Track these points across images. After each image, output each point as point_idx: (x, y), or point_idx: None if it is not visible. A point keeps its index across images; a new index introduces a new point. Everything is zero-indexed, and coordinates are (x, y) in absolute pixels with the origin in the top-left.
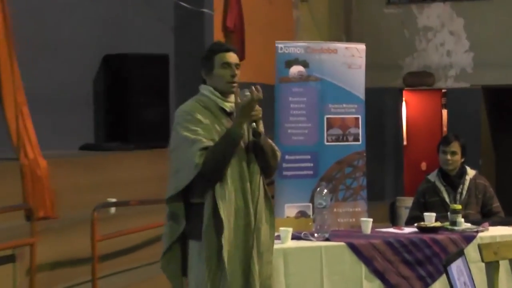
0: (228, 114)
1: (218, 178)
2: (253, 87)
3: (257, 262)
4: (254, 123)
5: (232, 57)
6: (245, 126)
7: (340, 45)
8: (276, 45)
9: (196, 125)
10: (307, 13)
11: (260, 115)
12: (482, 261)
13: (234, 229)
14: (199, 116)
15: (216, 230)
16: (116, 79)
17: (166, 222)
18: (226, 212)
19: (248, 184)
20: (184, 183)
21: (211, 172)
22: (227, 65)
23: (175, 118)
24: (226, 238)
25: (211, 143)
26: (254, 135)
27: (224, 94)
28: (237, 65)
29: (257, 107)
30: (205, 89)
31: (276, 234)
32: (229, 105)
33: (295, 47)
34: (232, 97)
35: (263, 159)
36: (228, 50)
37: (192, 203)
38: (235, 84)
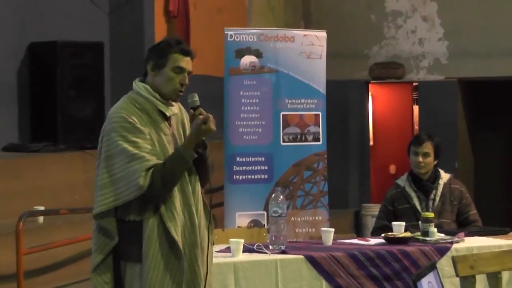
0: (167, 119)
1: (163, 201)
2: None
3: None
4: None
5: (189, 64)
6: (176, 127)
7: (298, 32)
8: (225, 32)
9: (136, 135)
10: None
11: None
12: (457, 275)
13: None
14: (139, 124)
15: (162, 254)
16: (43, 70)
17: (94, 236)
18: (178, 233)
19: (192, 197)
20: (119, 202)
21: (157, 196)
22: (180, 70)
23: (108, 121)
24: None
25: (154, 160)
26: (201, 147)
27: (164, 98)
28: (189, 73)
29: (211, 117)
30: (142, 89)
31: (225, 246)
32: (169, 109)
33: (246, 35)
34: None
35: (203, 171)
36: (187, 54)
37: (126, 221)
38: (181, 94)
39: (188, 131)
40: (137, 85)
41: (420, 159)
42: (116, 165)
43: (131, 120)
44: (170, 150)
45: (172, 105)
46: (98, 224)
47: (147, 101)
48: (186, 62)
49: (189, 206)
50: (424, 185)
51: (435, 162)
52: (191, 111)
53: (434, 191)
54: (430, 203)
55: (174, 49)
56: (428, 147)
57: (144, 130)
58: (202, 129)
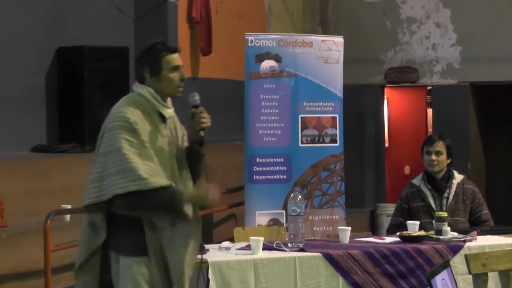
0: (164, 120)
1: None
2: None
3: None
4: (202, 131)
5: (179, 59)
6: (172, 128)
7: (316, 38)
8: (246, 37)
9: (135, 136)
10: (280, 2)
11: (209, 124)
12: (470, 273)
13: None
14: (139, 126)
15: (159, 248)
16: (70, 74)
17: (85, 230)
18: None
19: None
20: (107, 197)
21: (137, 212)
22: (176, 68)
23: (111, 119)
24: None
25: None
26: (198, 143)
27: (164, 98)
28: (182, 67)
29: (206, 115)
30: (145, 91)
31: (246, 244)
32: (168, 111)
33: (266, 40)
34: (169, 102)
35: (197, 168)
36: (175, 51)
37: (118, 215)
38: (181, 89)
39: (180, 135)
40: (140, 88)
41: (433, 157)
42: (109, 163)
43: (132, 121)
44: (166, 150)
45: (170, 108)
46: (89, 219)
47: (148, 102)
48: (177, 59)
49: None
50: (438, 184)
51: (448, 161)
52: (193, 109)
53: (447, 190)
54: (444, 201)
55: (163, 53)
56: (440, 145)
57: (143, 132)
58: (202, 126)
